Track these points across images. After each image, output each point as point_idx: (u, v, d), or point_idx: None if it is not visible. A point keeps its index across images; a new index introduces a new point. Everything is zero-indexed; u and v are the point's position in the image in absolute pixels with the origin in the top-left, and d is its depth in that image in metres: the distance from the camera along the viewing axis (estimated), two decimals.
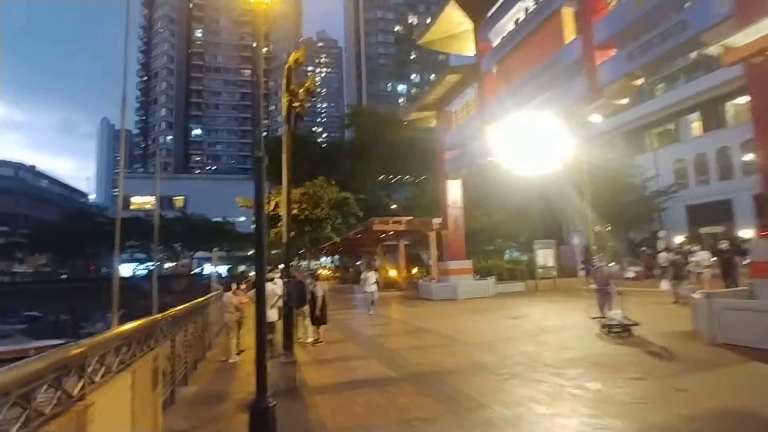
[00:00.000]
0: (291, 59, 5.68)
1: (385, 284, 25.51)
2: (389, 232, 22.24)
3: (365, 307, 14.73)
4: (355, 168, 32.91)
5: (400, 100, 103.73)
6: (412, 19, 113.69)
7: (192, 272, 58.87)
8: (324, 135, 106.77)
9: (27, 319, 33.44)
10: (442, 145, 19.42)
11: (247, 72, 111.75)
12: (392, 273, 27.56)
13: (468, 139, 17.78)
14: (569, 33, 12.02)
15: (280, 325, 7.55)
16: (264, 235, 5.56)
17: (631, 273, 21.86)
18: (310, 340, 9.53)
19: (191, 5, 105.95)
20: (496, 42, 15.96)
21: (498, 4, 15.41)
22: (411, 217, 21.76)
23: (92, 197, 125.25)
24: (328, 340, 9.57)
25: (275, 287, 7.82)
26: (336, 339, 9.99)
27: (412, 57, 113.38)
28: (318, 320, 9.55)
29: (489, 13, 16.09)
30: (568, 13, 12.04)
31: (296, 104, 5.71)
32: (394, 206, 32.38)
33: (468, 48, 18.29)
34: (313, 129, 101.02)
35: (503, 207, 25.40)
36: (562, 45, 11.99)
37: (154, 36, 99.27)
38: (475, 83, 17.02)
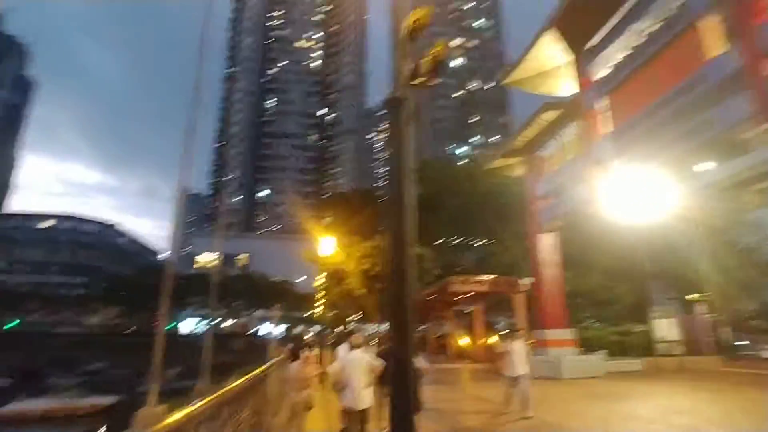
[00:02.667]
0: (410, 20, 3.91)
1: (457, 355, 22.60)
2: (467, 293, 19.57)
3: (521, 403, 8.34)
4: (424, 224, 30.97)
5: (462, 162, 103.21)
6: (472, 84, 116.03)
7: (248, 332, 57.89)
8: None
9: (88, 372, 33.30)
10: (533, 194, 17.07)
11: (313, 137, 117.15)
12: (463, 342, 24.49)
13: (566, 186, 15.41)
14: (711, 48, 9.81)
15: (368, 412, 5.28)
16: (406, 228, 3.76)
17: None
18: None
19: (264, 79, 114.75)
20: (599, 74, 13.97)
21: (604, 32, 13.57)
22: (494, 276, 19.03)
23: (165, 255, 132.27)
24: None
25: (367, 357, 5.61)
26: None
27: (471, 120, 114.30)
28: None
29: (590, 44, 14.26)
30: (706, 26, 9.91)
31: (418, 80, 3.85)
32: (459, 268, 29.69)
33: (560, 86, 16.42)
34: (374, 185, 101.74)
35: (600, 268, 22.01)
36: (701, 63, 9.76)
37: (231, 106, 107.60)
38: (574, 122, 14.94)
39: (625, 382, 12.95)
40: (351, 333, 8.34)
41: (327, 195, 69.75)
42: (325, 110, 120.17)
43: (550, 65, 15.75)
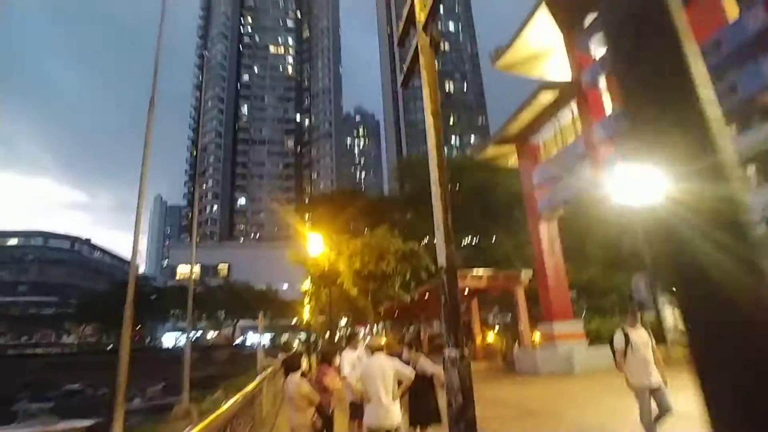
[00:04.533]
0: None
1: None
2: (464, 289, 18.69)
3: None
4: (413, 221, 30.09)
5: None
6: (448, 86, 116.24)
7: (233, 343, 56.00)
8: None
9: (65, 394, 31.39)
10: (530, 183, 16.32)
11: (290, 143, 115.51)
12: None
13: (565, 172, 14.72)
14: (731, 9, 9.20)
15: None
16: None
17: None
18: None
19: (239, 85, 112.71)
20: (598, 52, 13.34)
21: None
22: (493, 270, 18.21)
23: (141, 269, 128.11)
24: None
25: (392, 362, 4.53)
26: None
27: (450, 123, 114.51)
28: (426, 417, 5.27)
29: (586, 21, 13.63)
30: None
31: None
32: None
33: (554, 69, 15.75)
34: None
35: (597, 258, 21.45)
36: (722, 24, 9.12)
37: (205, 114, 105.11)
38: (571, 105, 14.27)
39: None
40: (352, 336, 7.32)
41: (307, 200, 68.33)
42: (302, 115, 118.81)
43: (543, 47, 15.08)
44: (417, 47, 4.63)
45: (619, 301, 22.36)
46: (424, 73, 4.53)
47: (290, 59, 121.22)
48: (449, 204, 4.10)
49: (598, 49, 13.34)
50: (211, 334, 60.80)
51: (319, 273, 19.63)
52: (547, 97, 14.20)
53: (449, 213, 3.95)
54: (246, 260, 74.21)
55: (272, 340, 56.26)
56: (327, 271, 16.71)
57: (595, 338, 14.79)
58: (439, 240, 3.99)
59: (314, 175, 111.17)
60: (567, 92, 13.99)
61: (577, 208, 17.41)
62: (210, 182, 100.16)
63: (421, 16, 4.56)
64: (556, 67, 15.56)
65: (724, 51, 8.93)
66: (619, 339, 5.86)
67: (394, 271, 16.73)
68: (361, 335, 24.32)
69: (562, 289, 14.91)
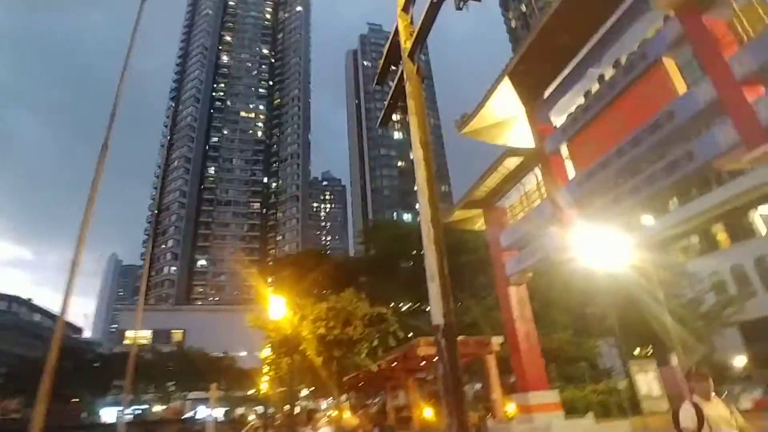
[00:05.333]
0: None
1: (420, 427, 20.33)
2: (434, 357, 17.84)
3: None
4: (379, 287, 29.35)
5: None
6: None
7: (182, 416, 51.12)
8: None
9: None
10: (498, 246, 16.27)
11: (256, 205, 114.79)
12: (427, 414, 22.21)
13: (531, 236, 14.80)
14: (675, 85, 9.81)
15: None
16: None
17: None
18: None
19: (207, 147, 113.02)
20: (559, 121, 13.93)
21: (560, 80, 13.67)
22: (463, 336, 17.55)
23: (87, 334, 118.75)
24: None
25: None
26: None
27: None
28: None
29: (547, 92, 14.34)
30: (672, 63, 9.97)
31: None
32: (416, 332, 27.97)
33: (518, 136, 16.33)
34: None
35: (564, 323, 21.22)
36: (671, 98, 9.66)
37: (169, 174, 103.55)
38: (536, 170, 14.65)
39: None
40: (312, 413, 6.51)
41: (271, 261, 66.48)
42: (269, 178, 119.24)
43: (507, 115, 15.69)
44: (401, 78, 4.44)
45: (588, 368, 21.93)
46: (411, 102, 4.27)
47: (260, 124, 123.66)
48: (445, 250, 3.45)
49: (558, 119, 13.95)
50: (159, 408, 55.54)
51: (281, 339, 18.39)
52: (512, 162, 14.56)
53: (445, 260, 3.33)
54: (203, 324, 70.14)
55: (227, 413, 51.84)
56: (289, 336, 15.61)
57: (570, 410, 14.13)
58: (434, 293, 3.27)
59: (279, 238, 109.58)
60: (531, 158, 14.39)
61: (544, 271, 17.42)
62: (170, 242, 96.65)
63: (407, 44, 4.45)
64: (520, 134, 16.14)
65: (677, 121, 9.39)
66: (687, 415, 4.34)
67: (362, 336, 15.83)
68: (323, 409, 22.58)
69: (535, 356, 14.39)
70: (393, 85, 4.78)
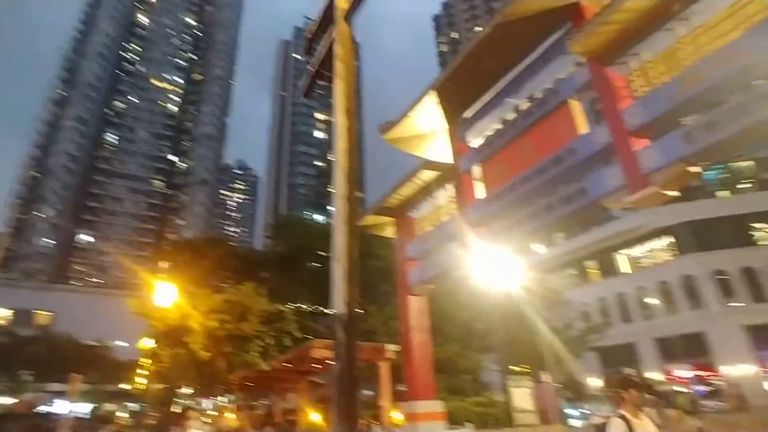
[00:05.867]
0: None
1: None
2: (328, 360, 17.58)
3: None
4: (281, 284, 28.35)
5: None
6: (333, 157, 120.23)
7: (34, 411, 45.02)
8: None
9: None
10: (404, 255, 16.54)
11: (159, 183, 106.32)
12: (315, 418, 21.91)
13: (436, 249, 15.26)
14: (578, 126, 10.71)
15: None
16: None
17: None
18: None
19: (108, 111, 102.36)
20: (474, 142, 14.56)
21: (480, 105, 14.30)
22: (359, 342, 17.51)
23: None
24: None
25: None
26: None
27: (329, 190, 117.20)
28: None
29: (467, 114, 14.92)
30: (577, 105, 10.88)
31: None
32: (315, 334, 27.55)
33: (437, 150, 16.78)
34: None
35: (454, 336, 22.18)
36: (574, 136, 10.53)
37: (57, 133, 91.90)
38: (449, 185, 15.15)
39: None
40: (185, 411, 5.95)
41: (167, 246, 61.73)
42: (178, 157, 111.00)
43: (429, 129, 16.05)
44: (332, 43, 4.15)
45: (472, 381, 23.15)
46: (340, 66, 3.95)
47: (175, 97, 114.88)
48: (357, 230, 3.10)
49: (475, 140, 14.57)
50: (7, 401, 48.42)
51: (166, 329, 16.88)
52: (427, 175, 14.90)
53: (356, 242, 2.93)
54: (78, 308, 62.65)
55: (94, 410, 46.64)
56: (175, 327, 14.37)
57: (452, 420, 14.72)
58: (338, 276, 2.92)
59: (181, 222, 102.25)
60: (446, 173, 14.84)
61: (443, 285, 18.02)
62: (49, 211, 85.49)
63: (343, 3, 4.16)
64: (439, 148, 16.59)
65: (577, 158, 10.23)
66: (618, 429, 4.21)
67: (256, 333, 15.07)
68: (201, 408, 21.15)
69: (427, 367, 14.76)
70: (320, 49, 4.49)
